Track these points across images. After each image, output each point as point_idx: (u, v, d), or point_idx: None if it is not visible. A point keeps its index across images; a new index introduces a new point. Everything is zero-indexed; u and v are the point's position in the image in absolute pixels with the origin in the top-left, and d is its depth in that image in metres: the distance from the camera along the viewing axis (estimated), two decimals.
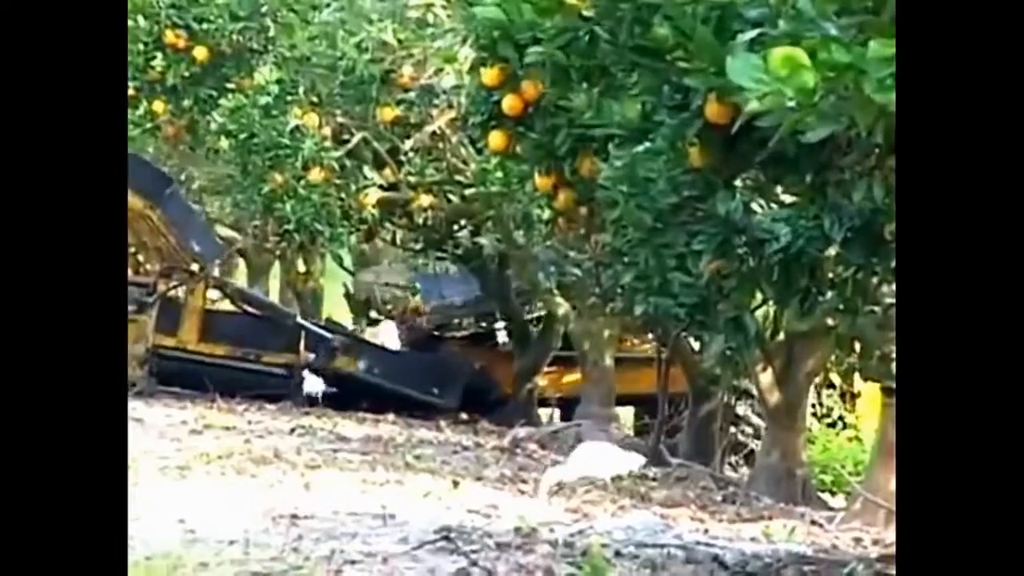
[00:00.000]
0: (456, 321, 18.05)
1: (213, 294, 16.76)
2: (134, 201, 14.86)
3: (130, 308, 15.41)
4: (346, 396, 15.59)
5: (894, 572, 7.60)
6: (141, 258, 16.15)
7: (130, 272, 16.12)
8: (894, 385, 8.37)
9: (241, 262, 25.88)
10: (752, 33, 4.57)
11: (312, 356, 15.57)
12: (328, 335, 16.03)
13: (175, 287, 15.46)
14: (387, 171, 13.32)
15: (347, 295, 24.11)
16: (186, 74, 13.43)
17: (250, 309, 16.25)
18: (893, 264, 6.85)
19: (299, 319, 16.41)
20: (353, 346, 16.12)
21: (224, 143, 12.89)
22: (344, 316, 25.24)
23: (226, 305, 16.87)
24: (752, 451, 13.10)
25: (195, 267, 15.34)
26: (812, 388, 12.05)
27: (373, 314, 20.82)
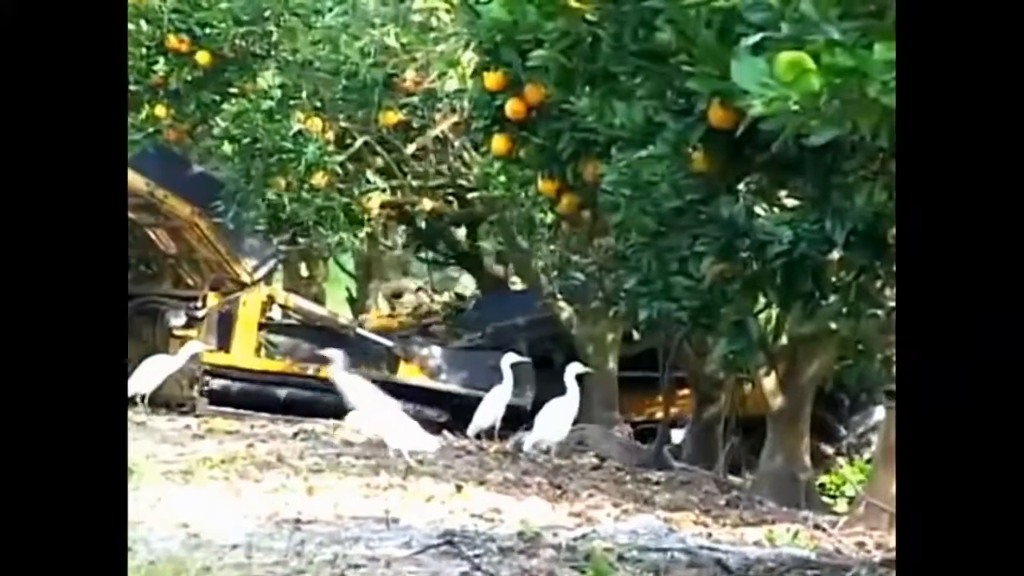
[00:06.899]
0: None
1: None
2: (181, 207, 14.36)
3: (178, 323, 14.52)
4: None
5: None
6: (186, 269, 15.28)
7: (174, 286, 15.32)
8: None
9: None
10: (756, 37, 4.56)
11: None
12: (388, 342, 15.05)
13: (226, 301, 14.57)
14: (390, 175, 13.32)
15: (349, 299, 24.06)
16: (188, 78, 13.37)
17: (307, 321, 15.26)
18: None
19: (359, 330, 15.21)
20: (412, 350, 15.08)
21: (227, 148, 12.87)
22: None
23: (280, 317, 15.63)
24: (755, 455, 13.04)
25: (245, 278, 14.63)
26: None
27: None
